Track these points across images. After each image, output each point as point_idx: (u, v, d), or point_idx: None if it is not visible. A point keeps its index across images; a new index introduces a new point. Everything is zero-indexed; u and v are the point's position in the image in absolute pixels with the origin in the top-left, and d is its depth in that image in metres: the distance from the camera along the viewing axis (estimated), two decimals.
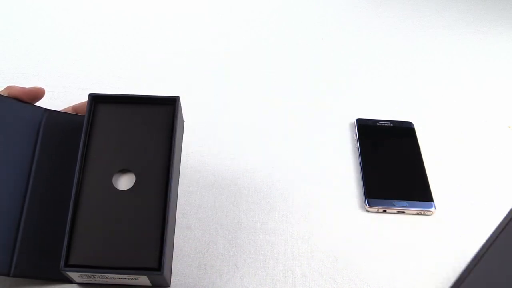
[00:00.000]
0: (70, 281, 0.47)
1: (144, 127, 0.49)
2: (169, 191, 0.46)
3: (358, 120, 0.65)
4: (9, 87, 0.49)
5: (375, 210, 0.55)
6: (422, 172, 0.59)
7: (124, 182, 0.47)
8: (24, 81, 0.68)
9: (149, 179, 0.47)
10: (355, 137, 0.63)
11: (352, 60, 0.76)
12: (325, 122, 0.65)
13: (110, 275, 0.44)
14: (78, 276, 0.45)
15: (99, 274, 0.43)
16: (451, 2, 0.90)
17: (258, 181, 0.58)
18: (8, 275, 0.43)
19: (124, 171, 0.48)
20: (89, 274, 0.44)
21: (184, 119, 0.64)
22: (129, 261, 0.43)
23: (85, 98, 0.66)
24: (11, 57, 0.72)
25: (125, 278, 0.44)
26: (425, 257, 0.52)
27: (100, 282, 0.46)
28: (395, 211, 0.55)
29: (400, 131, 0.64)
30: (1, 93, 0.49)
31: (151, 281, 0.45)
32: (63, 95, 0.67)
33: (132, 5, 0.84)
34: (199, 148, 0.61)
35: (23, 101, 0.49)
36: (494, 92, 0.72)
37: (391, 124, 0.65)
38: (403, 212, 0.55)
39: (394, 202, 0.55)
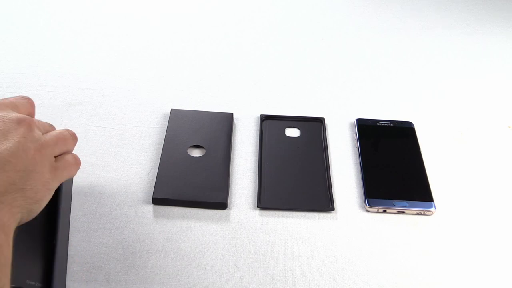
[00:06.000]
0: None
1: None
2: None
3: (358, 120, 0.65)
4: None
5: (375, 210, 0.55)
6: (422, 172, 0.59)
7: None
8: (24, 81, 0.68)
9: None
10: (355, 137, 0.63)
11: (352, 60, 0.76)
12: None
13: None
14: None
15: None
16: (451, 2, 0.90)
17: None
18: None
19: None
20: None
21: None
22: None
23: (85, 98, 0.66)
24: (11, 57, 0.72)
25: None
26: (425, 257, 0.51)
27: None
28: (395, 211, 0.55)
29: (400, 131, 0.64)
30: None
31: None
32: (63, 95, 0.67)
33: (132, 5, 0.84)
34: None
35: None
36: (494, 92, 0.72)
37: (391, 124, 0.64)
38: (403, 212, 0.55)
39: (394, 202, 0.55)
